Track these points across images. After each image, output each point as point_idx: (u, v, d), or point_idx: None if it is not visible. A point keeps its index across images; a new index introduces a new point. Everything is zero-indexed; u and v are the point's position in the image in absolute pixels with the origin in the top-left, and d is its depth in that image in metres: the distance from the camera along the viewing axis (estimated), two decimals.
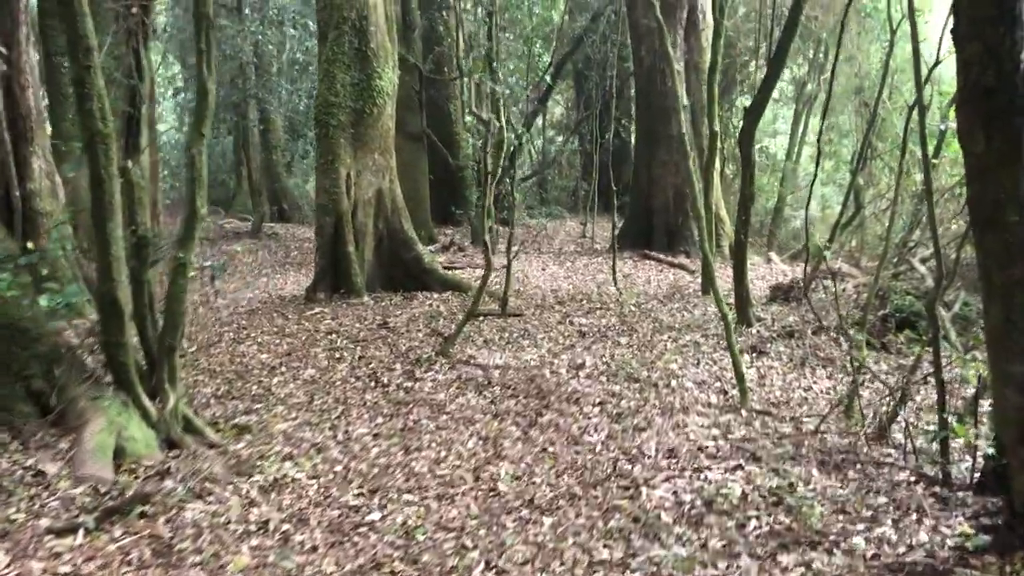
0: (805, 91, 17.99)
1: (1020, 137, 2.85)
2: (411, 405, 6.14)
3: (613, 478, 4.64)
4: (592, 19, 17.55)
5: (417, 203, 14.25)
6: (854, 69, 15.06)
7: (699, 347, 8.00)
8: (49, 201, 6.19)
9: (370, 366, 7.27)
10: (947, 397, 4.57)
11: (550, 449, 5.15)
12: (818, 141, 6.87)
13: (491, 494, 4.47)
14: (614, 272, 11.28)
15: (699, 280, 11.16)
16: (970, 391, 4.95)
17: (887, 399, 5.38)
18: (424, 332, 8.52)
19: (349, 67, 9.90)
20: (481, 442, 5.31)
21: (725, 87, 16.80)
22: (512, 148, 19.27)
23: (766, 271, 12.85)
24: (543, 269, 13.38)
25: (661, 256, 13.50)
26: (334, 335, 8.44)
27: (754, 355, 7.92)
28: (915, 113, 4.83)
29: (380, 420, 5.80)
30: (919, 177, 8.67)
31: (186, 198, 4.68)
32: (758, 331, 8.62)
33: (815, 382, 7.05)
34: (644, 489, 4.42)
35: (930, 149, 5.81)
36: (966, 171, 3.08)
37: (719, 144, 9.65)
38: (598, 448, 5.15)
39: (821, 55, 17.01)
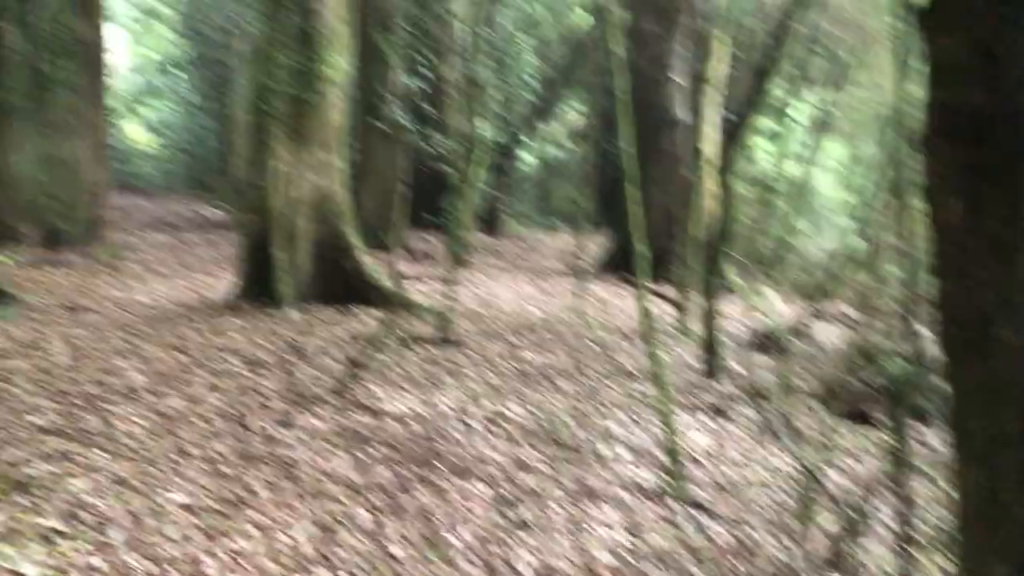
0: (822, 114, 16.65)
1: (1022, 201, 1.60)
2: (260, 464, 4.94)
3: None
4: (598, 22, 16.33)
5: (386, 206, 13.05)
6: (878, 95, 13.74)
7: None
8: None
9: (245, 401, 6.09)
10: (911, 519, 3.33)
11: (394, 553, 3.93)
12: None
13: None
14: (582, 299, 10.02)
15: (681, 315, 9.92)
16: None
17: (844, 513, 4.13)
18: (338, 359, 7.34)
19: (290, 50, 8.75)
20: (311, 532, 4.10)
21: (737, 105, 15.48)
22: (508, 151, 18.23)
23: (760, 311, 11.56)
24: (516, 289, 12.18)
25: (646, 284, 12.22)
26: (231, 354, 7.27)
27: (714, 417, 6.69)
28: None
29: (209, 484, 4.60)
30: None
31: None
32: (725, 386, 7.37)
33: (781, 459, 5.81)
34: None
35: None
36: (936, 255, 1.82)
37: (709, 165, 8.44)
38: (456, 558, 3.93)
39: (839, 76, 15.67)
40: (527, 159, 23.51)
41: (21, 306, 8.57)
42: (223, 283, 10.35)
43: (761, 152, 16.29)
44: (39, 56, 11.61)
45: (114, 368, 6.67)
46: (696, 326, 8.70)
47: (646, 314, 5.96)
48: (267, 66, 8.77)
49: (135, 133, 25.02)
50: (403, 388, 6.67)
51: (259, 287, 8.89)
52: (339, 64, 9.04)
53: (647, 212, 12.71)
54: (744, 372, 7.80)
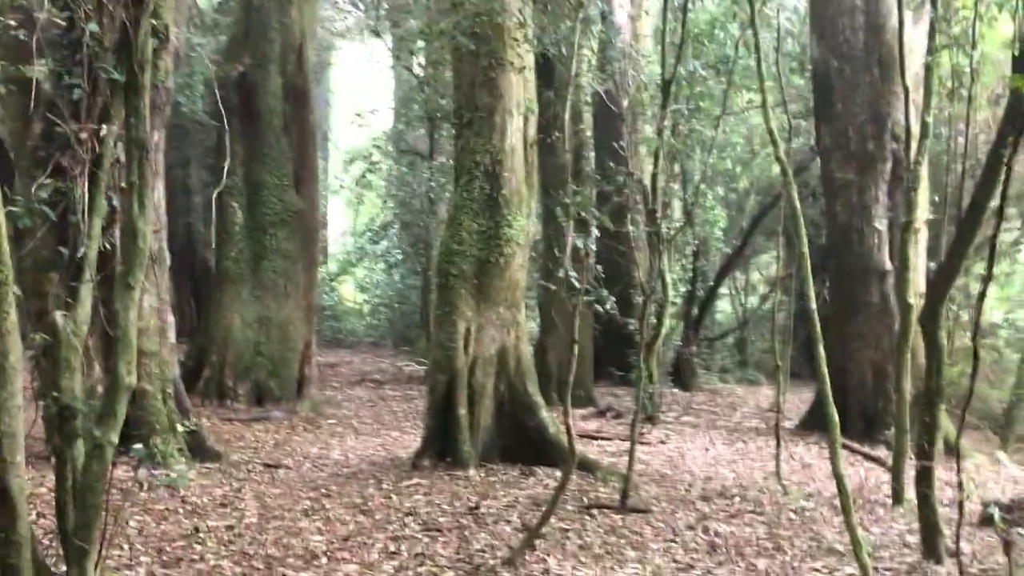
0: None
1: None
2: None
3: None
4: (796, 172, 16.00)
5: (571, 362, 12.92)
6: None
7: None
8: None
9: (420, 571, 5.92)
10: None
11: None
12: None
13: None
14: (778, 463, 9.24)
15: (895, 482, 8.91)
16: None
17: None
18: (516, 524, 7.08)
19: (478, 214, 9.06)
20: None
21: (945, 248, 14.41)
22: (701, 302, 17.82)
23: (991, 477, 10.23)
24: (706, 449, 11.52)
25: (854, 445, 11.19)
26: (411, 518, 7.19)
27: None
28: None
29: None
30: None
31: (111, 365, 3.75)
32: (948, 571, 6.39)
33: None
34: None
35: None
36: None
37: (914, 316, 7.75)
38: None
39: None
40: (722, 309, 22.92)
41: (225, 463, 9.02)
42: (413, 439, 10.48)
43: (987, 299, 14.91)
44: (259, 228, 12.75)
45: (298, 529, 6.75)
46: (913, 495, 7.74)
47: (841, 484, 5.33)
48: (457, 229, 9.10)
49: (345, 291, 26.86)
50: (580, 561, 6.28)
51: (443, 445, 8.91)
52: (522, 225, 9.23)
53: (854, 368, 11.94)
54: (973, 553, 6.77)
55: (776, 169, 17.98)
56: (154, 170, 8.45)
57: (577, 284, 6.59)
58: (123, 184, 4.61)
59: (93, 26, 4.25)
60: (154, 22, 8.55)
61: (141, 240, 3.72)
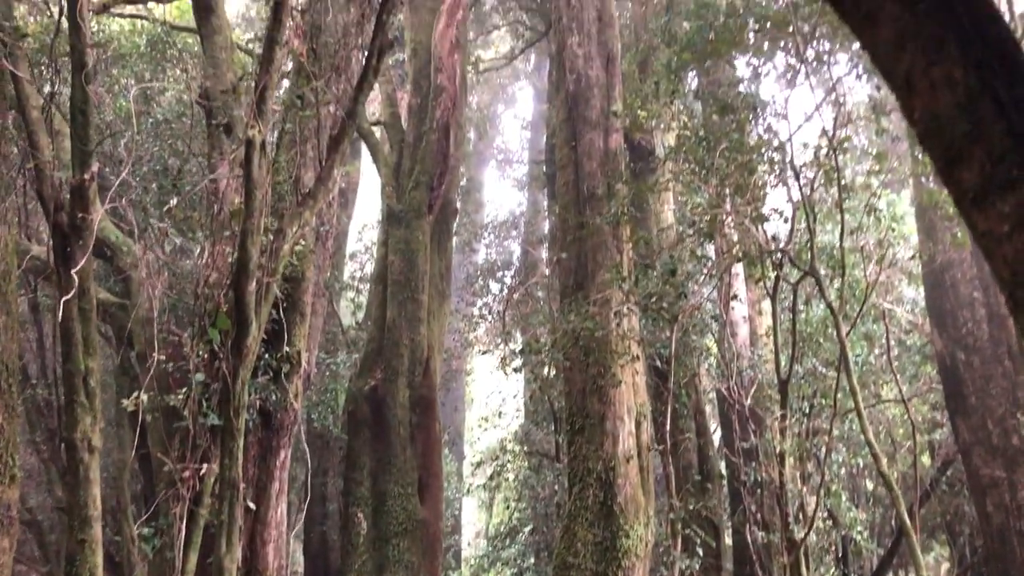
0: None
1: None
2: None
3: None
4: (942, 467, 15.06)
5: None
6: None
7: None
8: None
9: None
10: None
11: None
12: None
13: None
14: None
15: None
16: None
17: None
18: None
19: (592, 524, 8.87)
20: None
21: None
22: None
23: None
24: None
25: None
26: None
27: None
28: None
29: None
30: None
31: None
32: None
33: None
34: None
35: None
36: None
37: None
38: None
39: None
40: None
41: None
42: None
43: None
44: (383, 538, 12.82)
45: None
46: None
47: None
48: (571, 541, 8.89)
49: None
50: None
51: None
52: (640, 535, 8.93)
53: None
54: None
55: (926, 460, 16.93)
56: (278, 487, 8.82)
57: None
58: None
59: (200, 376, 4.73)
60: (287, 349, 9.34)
61: None
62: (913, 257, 10.82)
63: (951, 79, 2.02)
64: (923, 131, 2.12)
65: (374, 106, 19.71)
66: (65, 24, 5.86)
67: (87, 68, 5.56)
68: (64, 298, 4.91)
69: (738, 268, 14.37)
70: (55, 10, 12.00)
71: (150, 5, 14.05)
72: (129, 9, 13.43)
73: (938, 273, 12.07)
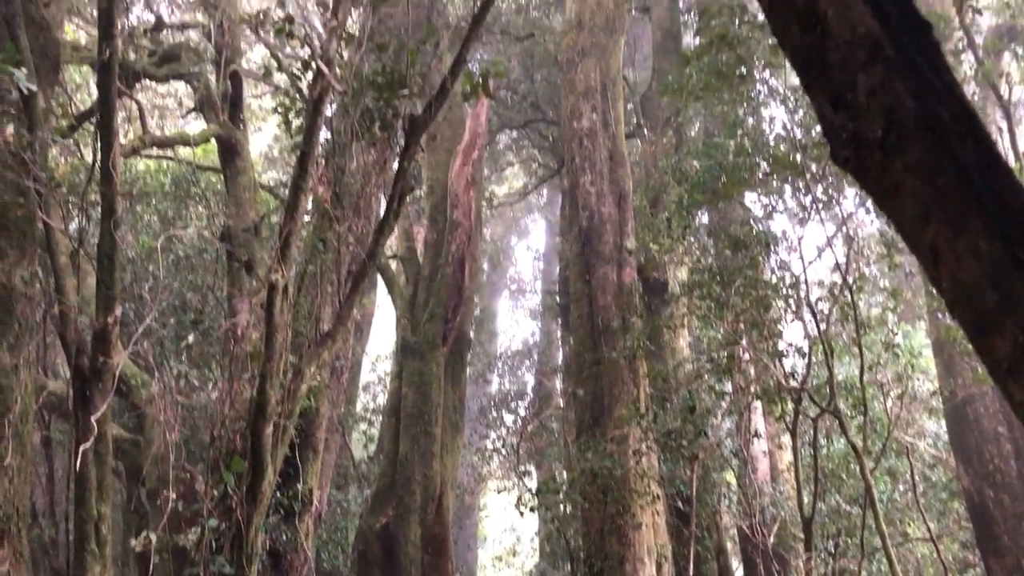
0: None
1: None
2: None
3: None
4: None
5: None
6: None
7: None
8: None
9: None
10: None
11: None
12: None
13: None
14: None
15: None
16: None
17: None
18: None
19: None
20: None
21: None
22: None
23: None
24: None
25: None
26: None
27: None
28: None
29: None
30: None
31: None
32: None
33: None
34: None
35: None
36: None
37: None
38: None
39: None
40: None
41: None
42: None
43: None
44: None
45: None
46: None
47: None
48: None
49: None
50: None
51: None
52: None
53: None
54: None
55: None
56: None
57: None
58: None
59: (213, 521, 4.63)
60: (300, 487, 9.17)
61: None
62: (935, 393, 10.69)
63: (977, 250, 2.04)
64: (952, 300, 2.13)
65: (391, 240, 20.11)
66: (97, 171, 6.06)
67: (116, 215, 5.71)
68: (82, 446, 4.88)
69: (756, 402, 14.22)
70: (86, 152, 12.48)
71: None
72: (156, 150, 13.93)
73: (960, 408, 11.90)
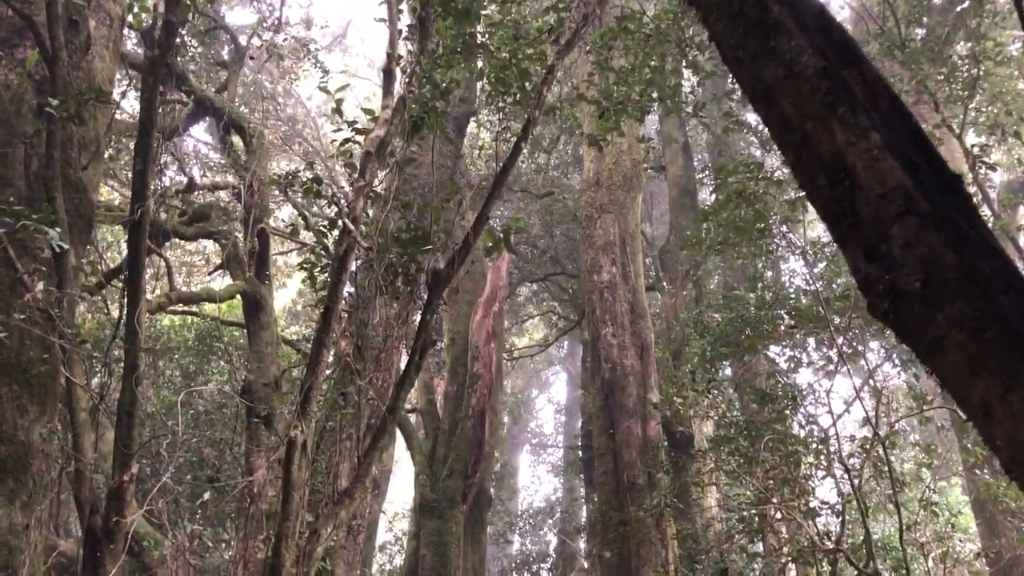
0: None
1: None
2: None
3: None
4: None
5: None
6: None
7: None
8: None
9: None
10: None
11: None
12: None
13: None
14: None
15: None
16: None
17: None
18: None
19: None
20: None
21: None
22: None
23: None
24: None
25: None
26: None
27: None
28: None
29: None
30: None
31: None
32: None
33: None
34: None
35: None
36: None
37: None
38: None
39: None
40: None
41: None
42: None
43: None
44: None
45: None
46: None
47: None
48: None
49: None
50: None
51: None
52: None
53: None
54: None
55: None
56: None
57: None
58: None
59: None
60: None
61: None
62: (979, 555, 10.18)
63: None
64: (1009, 459, 2.01)
65: (410, 393, 19.98)
66: (122, 327, 6.09)
67: (138, 371, 5.69)
68: None
69: (791, 564, 13.57)
70: (113, 307, 12.66)
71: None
72: (181, 305, 14.13)
73: (1007, 571, 11.28)
